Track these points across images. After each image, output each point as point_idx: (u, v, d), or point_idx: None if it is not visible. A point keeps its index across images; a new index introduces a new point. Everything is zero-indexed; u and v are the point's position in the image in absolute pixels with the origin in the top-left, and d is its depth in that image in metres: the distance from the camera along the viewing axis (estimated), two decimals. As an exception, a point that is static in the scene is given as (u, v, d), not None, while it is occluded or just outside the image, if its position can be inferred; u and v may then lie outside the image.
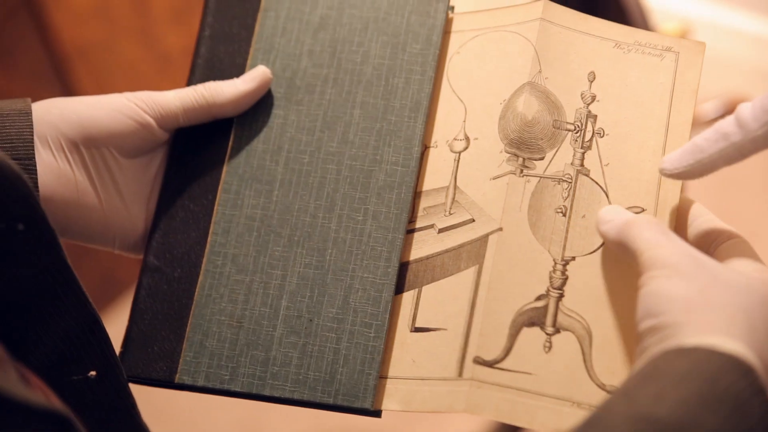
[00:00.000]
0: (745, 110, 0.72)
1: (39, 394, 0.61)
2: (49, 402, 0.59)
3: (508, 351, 0.76)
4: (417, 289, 0.80)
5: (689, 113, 0.81)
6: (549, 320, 0.77)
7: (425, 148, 0.83)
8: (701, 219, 0.77)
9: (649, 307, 0.67)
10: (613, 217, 0.75)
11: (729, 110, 2.53)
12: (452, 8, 0.87)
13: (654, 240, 0.70)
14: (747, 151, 0.73)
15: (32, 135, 0.77)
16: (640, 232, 0.71)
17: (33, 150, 0.77)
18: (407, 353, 0.78)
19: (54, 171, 0.79)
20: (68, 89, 2.03)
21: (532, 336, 0.76)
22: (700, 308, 0.65)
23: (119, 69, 2.13)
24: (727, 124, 0.73)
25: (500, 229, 0.78)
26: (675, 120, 0.81)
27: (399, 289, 0.80)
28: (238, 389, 0.80)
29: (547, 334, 0.77)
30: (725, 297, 0.66)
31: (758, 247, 0.75)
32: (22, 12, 1.97)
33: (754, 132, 0.72)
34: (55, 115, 0.79)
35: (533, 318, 0.77)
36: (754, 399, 0.59)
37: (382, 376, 0.78)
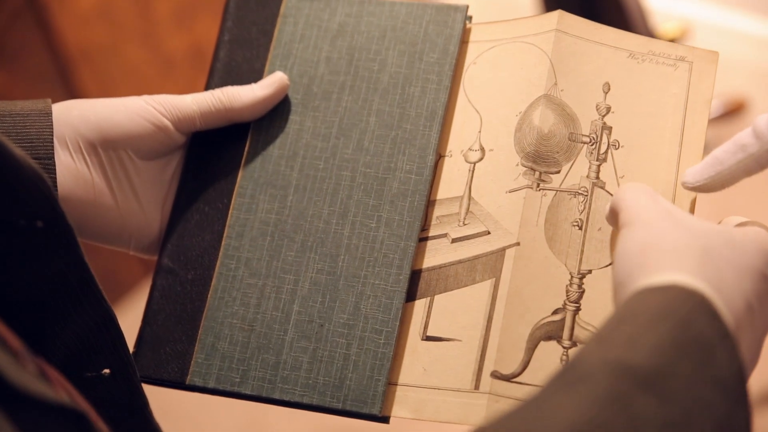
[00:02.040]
0: (761, 121, 0.73)
1: (58, 389, 0.61)
2: (65, 398, 0.59)
3: (525, 365, 0.76)
4: (429, 298, 0.80)
5: (703, 123, 0.82)
6: (566, 334, 0.77)
7: (439, 157, 0.83)
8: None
9: (614, 268, 0.68)
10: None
11: (729, 110, 2.53)
12: (470, 18, 0.87)
13: (632, 200, 0.71)
14: (765, 161, 0.74)
15: (52, 135, 0.78)
16: (623, 195, 0.72)
17: (52, 150, 0.77)
18: (418, 361, 0.78)
19: (72, 172, 0.79)
20: (72, 91, 2.04)
21: (549, 350, 0.77)
22: (656, 251, 0.66)
23: (123, 71, 2.14)
24: (745, 135, 0.74)
25: (517, 244, 0.79)
26: (689, 130, 0.81)
27: (410, 296, 0.80)
28: (248, 392, 0.80)
29: (564, 347, 0.77)
30: (684, 239, 0.66)
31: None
32: (26, 15, 1.97)
33: None
34: (74, 116, 0.80)
35: (550, 332, 0.77)
36: (722, 344, 0.60)
37: (392, 383, 0.78)
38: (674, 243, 0.66)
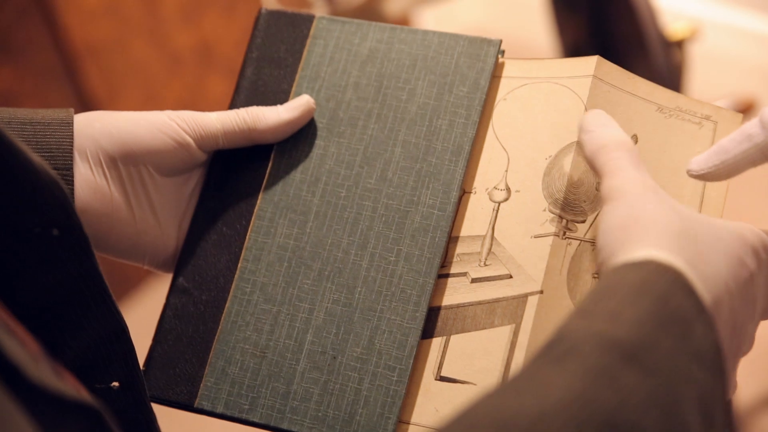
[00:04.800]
0: None
1: (72, 388, 0.61)
2: (83, 395, 0.59)
3: None
4: (445, 337, 0.79)
5: (723, 187, 0.81)
6: None
7: (463, 193, 0.82)
8: None
9: (597, 245, 0.68)
10: (595, 128, 0.75)
11: (739, 110, 2.53)
12: (503, 52, 0.86)
13: (615, 168, 0.71)
14: None
15: (72, 146, 0.77)
16: (607, 159, 0.72)
17: (71, 161, 0.77)
18: (430, 401, 0.77)
19: (90, 185, 0.78)
20: (78, 88, 2.03)
21: None
22: (637, 226, 0.66)
23: (129, 68, 2.14)
24: (752, 125, 0.74)
25: (541, 292, 0.77)
26: (709, 192, 0.81)
27: (426, 334, 0.79)
28: (256, 420, 0.79)
29: None
30: (665, 217, 0.67)
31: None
32: (33, 11, 1.97)
33: None
34: (96, 129, 0.79)
35: None
36: (698, 318, 0.61)
37: (404, 421, 0.77)
38: (655, 220, 0.66)
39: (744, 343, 0.71)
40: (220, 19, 2.29)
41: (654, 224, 0.66)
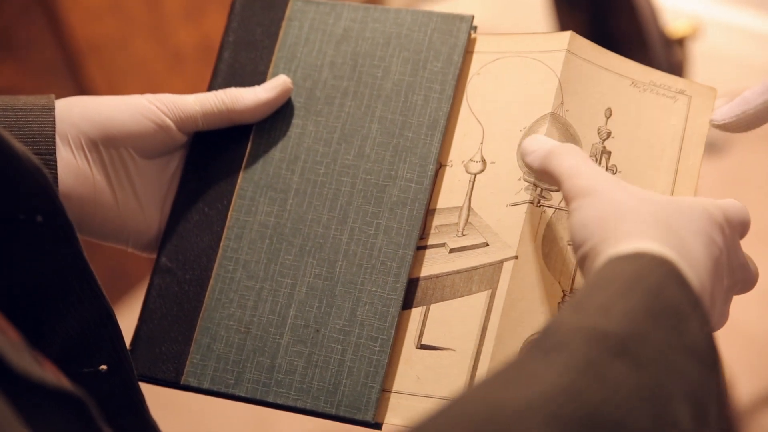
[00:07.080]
0: None
1: (52, 376, 0.62)
2: (65, 384, 0.60)
3: None
4: (425, 307, 0.80)
5: (698, 158, 0.82)
6: None
7: (440, 167, 0.83)
8: None
9: (575, 239, 0.68)
10: (537, 147, 0.76)
11: None
12: (475, 28, 0.87)
13: (574, 168, 0.72)
14: None
15: (54, 131, 0.78)
16: (561, 161, 0.73)
17: (54, 146, 0.78)
18: (412, 369, 0.78)
19: (72, 169, 0.79)
20: (81, 85, 2.04)
21: None
22: (618, 219, 0.66)
23: (131, 66, 2.14)
24: None
25: (516, 257, 0.78)
26: (684, 163, 0.82)
27: (407, 304, 0.80)
28: (242, 394, 0.80)
29: None
30: (642, 207, 0.67)
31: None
32: (35, 8, 1.98)
33: None
34: (76, 113, 0.80)
35: None
36: (693, 312, 0.61)
37: (387, 390, 0.79)
38: (634, 210, 0.67)
39: (719, 320, 0.71)
40: (221, 18, 2.28)
41: (635, 214, 0.66)
